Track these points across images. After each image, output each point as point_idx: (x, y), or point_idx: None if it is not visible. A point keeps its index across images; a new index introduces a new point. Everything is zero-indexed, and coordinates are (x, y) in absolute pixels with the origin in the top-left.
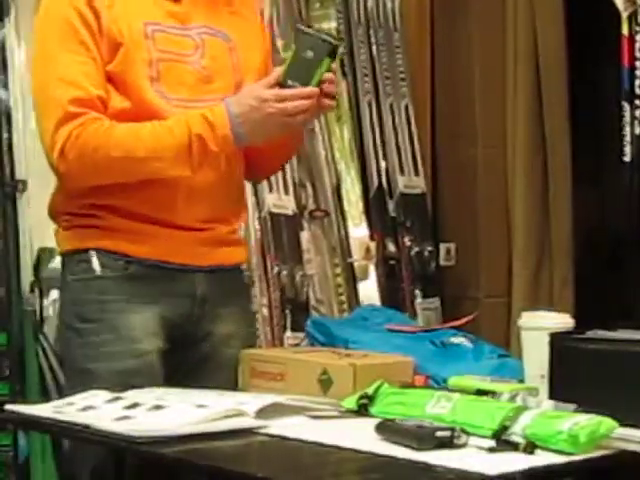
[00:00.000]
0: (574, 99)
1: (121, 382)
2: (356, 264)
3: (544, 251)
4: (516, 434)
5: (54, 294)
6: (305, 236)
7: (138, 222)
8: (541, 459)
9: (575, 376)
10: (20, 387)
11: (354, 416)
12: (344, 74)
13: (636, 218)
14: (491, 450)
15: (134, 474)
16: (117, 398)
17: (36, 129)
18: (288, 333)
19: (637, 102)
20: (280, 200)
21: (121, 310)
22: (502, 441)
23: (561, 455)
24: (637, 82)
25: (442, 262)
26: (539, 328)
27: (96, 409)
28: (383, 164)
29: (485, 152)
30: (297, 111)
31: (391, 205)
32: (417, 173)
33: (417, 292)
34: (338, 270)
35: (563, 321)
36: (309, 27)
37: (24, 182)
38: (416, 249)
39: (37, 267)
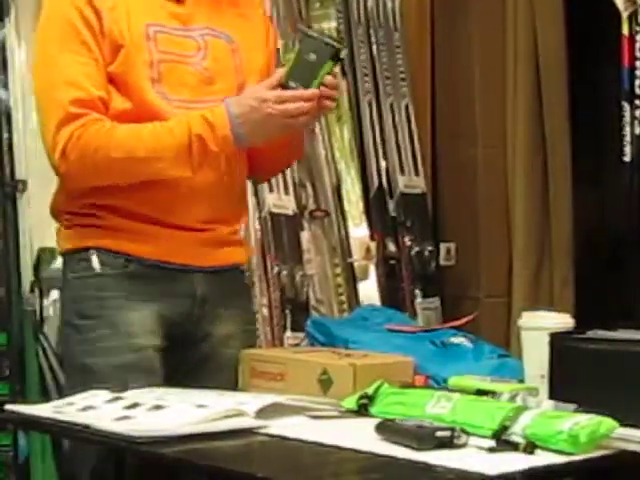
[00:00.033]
0: (574, 99)
1: (120, 377)
2: (356, 264)
3: (544, 251)
4: (516, 434)
5: (54, 294)
6: (305, 236)
7: (139, 222)
8: (541, 459)
9: (575, 376)
10: (20, 387)
11: (354, 416)
12: (344, 74)
13: (636, 218)
14: (491, 450)
15: (134, 474)
16: (117, 398)
17: (37, 129)
18: (288, 333)
19: (637, 102)
20: (280, 200)
21: (120, 307)
22: (502, 441)
23: (561, 455)
24: (637, 82)
25: (442, 262)
26: (539, 328)
27: (96, 409)
28: (383, 164)
29: (485, 152)
30: (297, 113)
31: (391, 205)
32: (417, 173)
33: (417, 292)
34: (338, 270)
35: (563, 321)
36: (312, 30)
37: (24, 182)
38: (416, 249)
39: (37, 267)
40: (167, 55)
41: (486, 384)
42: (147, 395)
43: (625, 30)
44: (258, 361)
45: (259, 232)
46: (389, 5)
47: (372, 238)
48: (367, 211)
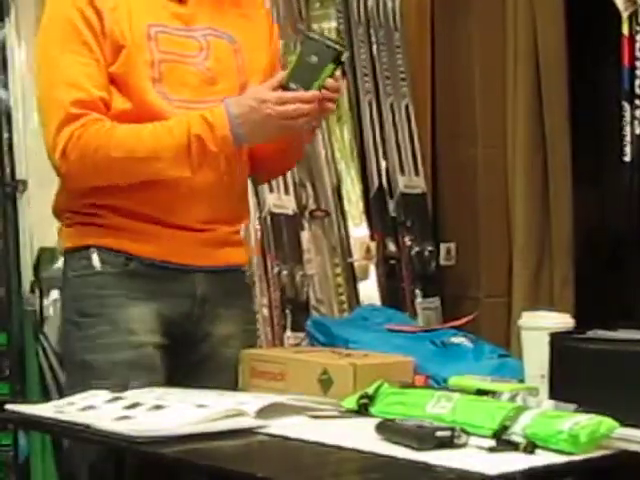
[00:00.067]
0: (574, 99)
1: (120, 374)
2: (356, 264)
3: (544, 251)
4: (516, 434)
5: (54, 294)
6: (305, 236)
7: (140, 222)
8: (541, 459)
9: (575, 376)
10: (20, 387)
11: (354, 416)
12: (344, 73)
13: (636, 218)
14: (491, 450)
15: (134, 474)
16: (117, 398)
17: (38, 129)
18: (288, 333)
19: (637, 102)
20: (280, 200)
21: (120, 305)
22: (502, 441)
23: (561, 455)
24: (637, 82)
25: (442, 262)
26: (539, 328)
27: (96, 409)
28: (383, 164)
29: (485, 152)
30: (296, 114)
31: (391, 205)
32: (417, 173)
33: (417, 292)
34: (338, 270)
35: (563, 321)
36: (314, 31)
37: (24, 182)
38: (416, 249)
39: (37, 267)
40: (168, 55)
41: (486, 384)
42: (147, 395)
43: (625, 30)
44: (258, 361)
45: (259, 232)
46: (389, 5)
47: (372, 238)
48: (367, 211)
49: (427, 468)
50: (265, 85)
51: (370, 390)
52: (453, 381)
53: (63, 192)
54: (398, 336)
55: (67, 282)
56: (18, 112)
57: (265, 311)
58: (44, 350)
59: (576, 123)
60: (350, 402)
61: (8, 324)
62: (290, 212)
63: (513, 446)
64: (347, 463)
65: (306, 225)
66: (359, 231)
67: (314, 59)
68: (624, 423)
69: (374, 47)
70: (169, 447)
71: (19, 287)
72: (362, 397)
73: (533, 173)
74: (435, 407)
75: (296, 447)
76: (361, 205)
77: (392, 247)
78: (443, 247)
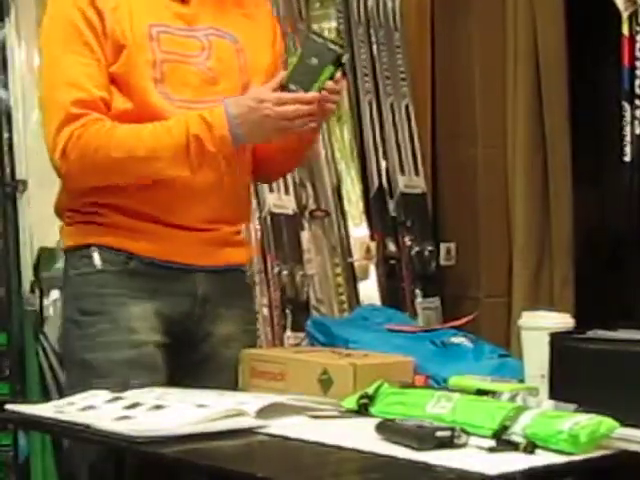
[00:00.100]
0: (574, 99)
1: (120, 373)
2: (356, 264)
3: (544, 251)
4: (516, 434)
5: (54, 294)
6: (305, 236)
7: (140, 221)
8: (541, 459)
9: (575, 376)
10: (20, 387)
11: (354, 416)
12: (344, 74)
13: (636, 218)
14: (491, 450)
15: (134, 474)
16: (117, 398)
17: (38, 129)
18: (288, 333)
19: (637, 102)
20: (280, 200)
21: (120, 303)
22: (502, 441)
23: (561, 455)
24: (637, 82)
25: (442, 262)
26: (539, 328)
27: (96, 409)
28: (383, 164)
29: (485, 152)
30: (294, 115)
31: (391, 205)
32: (417, 173)
33: (417, 292)
34: (338, 270)
35: (563, 321)
36: (315, 33)
37: (24, 182)
38: (416, 249)
39: (37, 267)
40: (170, 55)
41: (486, 384)
42: (147, 395)
43: (625, 30)
44: (258, 361)
45: (259, 232)
46: (389, 5)
47: (372, 238)
48: (367, 211)
49: (427, 468)
50: (265, 86)
51: (370, 390)
52: (453, 381)
53: (64, 192)
54: (398, 336)
55: (68, 280)
56: (18, 112)
57: (265, 311)
58: (44, 350)
59: (576, 123)
60: (350, 402)
61: (8, 324)
62: (290, 212)
63: (513, 446)
64: (347, 463)
65: (306, 225)
66: (359, 231)
67: (314, 61)
68: (624, 423)
69: (374, 47)
70: (169, 447)
71: (19, 287)
72: (362, 397)
73: (533, 173)
74: (435, 407)
75: (296, 447)
76: (361, 205)
77: (392, 247)
78: (443, 247)
